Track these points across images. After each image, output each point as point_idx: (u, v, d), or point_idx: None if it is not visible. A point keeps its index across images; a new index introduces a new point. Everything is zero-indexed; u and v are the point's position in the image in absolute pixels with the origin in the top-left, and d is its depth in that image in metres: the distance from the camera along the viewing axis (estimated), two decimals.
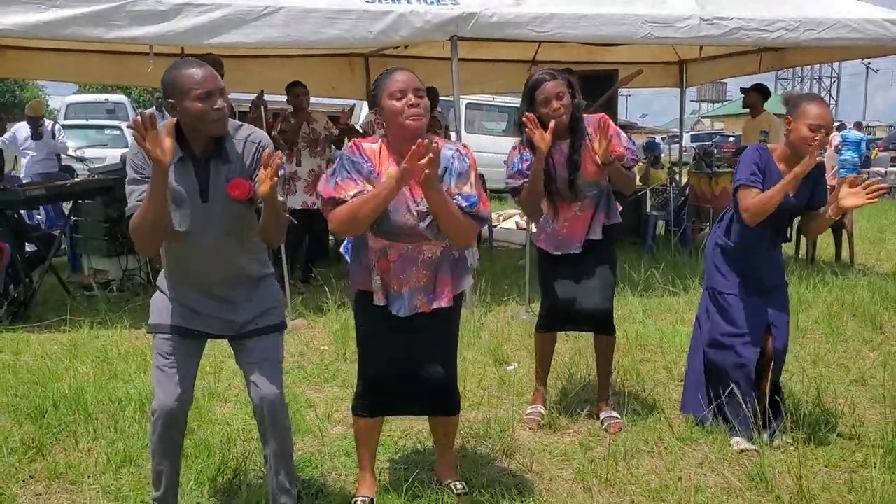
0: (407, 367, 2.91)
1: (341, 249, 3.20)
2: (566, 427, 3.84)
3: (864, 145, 16.76)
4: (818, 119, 3.31)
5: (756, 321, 3.56)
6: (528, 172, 3.64)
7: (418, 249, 2.81)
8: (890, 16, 6.84)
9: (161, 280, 2.83)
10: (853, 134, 16.25)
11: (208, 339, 2.83)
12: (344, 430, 3.73)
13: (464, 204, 2.74)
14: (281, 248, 6.03)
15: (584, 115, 3.70)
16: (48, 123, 9.61)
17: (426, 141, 2.52)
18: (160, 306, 2.77)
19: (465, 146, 2.86)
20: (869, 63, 54.15)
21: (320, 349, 5.18)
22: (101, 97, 18.41)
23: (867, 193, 3.24)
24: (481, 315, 5.90)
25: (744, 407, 3.46)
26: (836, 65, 57.36)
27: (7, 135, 9.37)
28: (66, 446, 3.56)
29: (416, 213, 2.74)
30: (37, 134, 9.18)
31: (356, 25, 5.69)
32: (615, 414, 3.86)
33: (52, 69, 8.70)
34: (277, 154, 2.49)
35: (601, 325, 3.83)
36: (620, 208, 3.86)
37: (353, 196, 2.69)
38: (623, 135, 3.73)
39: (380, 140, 2.82)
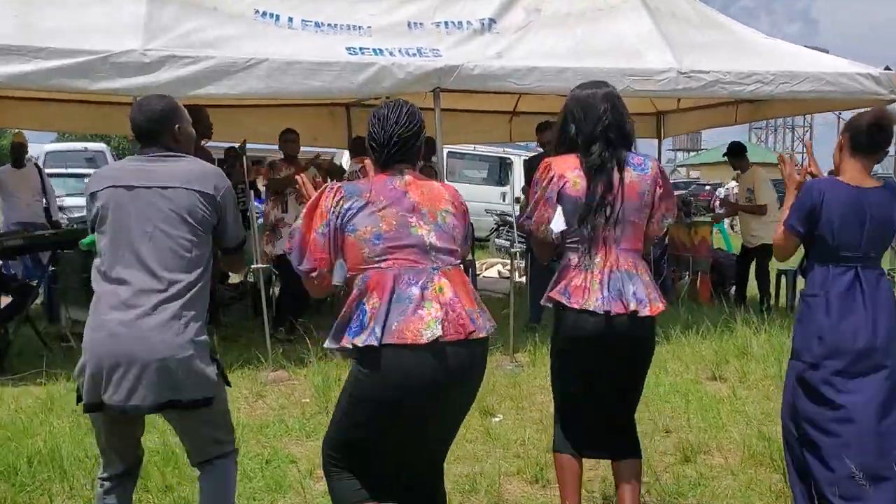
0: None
1: None
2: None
3: None
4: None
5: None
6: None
7: None
8: (862, 70, 7.03)
9: None
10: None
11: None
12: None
13: None
14: (261, 298, 5.99)
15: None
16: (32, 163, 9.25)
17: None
18: None
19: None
20: (840, 113, 55.37)
21: (301, 402, 5.10)
22: (80, 145, 18.34)
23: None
24: None
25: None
26: (808, 115, 58.78)
27: None
28: None
29: None
30: (19, 163, 8.68)
31: (339, 77, 5.74)
32: None
33: (33, 118, 8.67)
34: None
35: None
36: None
37: None
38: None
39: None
